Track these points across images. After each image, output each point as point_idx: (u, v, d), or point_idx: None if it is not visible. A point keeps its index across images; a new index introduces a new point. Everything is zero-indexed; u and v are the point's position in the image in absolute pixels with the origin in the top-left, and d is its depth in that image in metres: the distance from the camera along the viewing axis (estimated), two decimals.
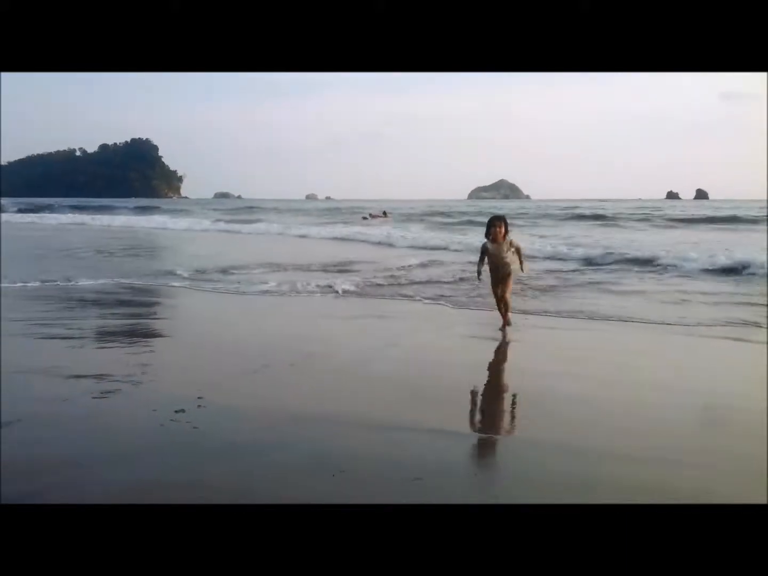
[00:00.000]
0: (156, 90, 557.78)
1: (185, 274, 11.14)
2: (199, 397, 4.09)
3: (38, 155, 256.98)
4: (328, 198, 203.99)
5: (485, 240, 7.12)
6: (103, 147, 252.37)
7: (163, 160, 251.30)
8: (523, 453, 3.39)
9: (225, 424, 3.75)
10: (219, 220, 37.49)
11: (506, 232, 7.07)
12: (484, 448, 3.45)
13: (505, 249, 7.03)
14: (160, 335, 6.71)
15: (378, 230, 25.28)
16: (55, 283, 9.96)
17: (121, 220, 37.59)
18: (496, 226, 7.01)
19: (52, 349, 5.87)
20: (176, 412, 3.81)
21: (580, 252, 14.72)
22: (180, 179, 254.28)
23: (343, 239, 22.31)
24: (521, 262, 7.12)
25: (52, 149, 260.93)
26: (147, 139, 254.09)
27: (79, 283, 9.99)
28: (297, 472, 3.09)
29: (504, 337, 6.59)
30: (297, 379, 4.79)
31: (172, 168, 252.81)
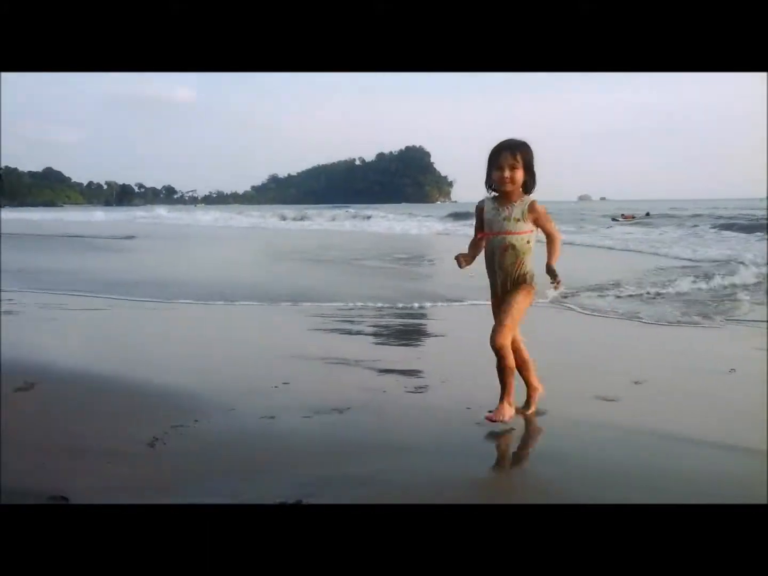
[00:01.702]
0: (418, 100, 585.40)
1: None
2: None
3: (323, 165, 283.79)
4: (602, 199, 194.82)
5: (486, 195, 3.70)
6: (380, 156, 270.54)
7: (434, 166, 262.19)
8: None
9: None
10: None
11: (530, 181, 3.51)
12: None
13: (519, 214, 3.48)
14: (458, 339, 6.85)
15: (644, 235, 23.26)
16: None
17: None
18: (503, 167, 3.41)
19: (357, 344, 6.40)
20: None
21: None
22: (450, 184, 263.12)
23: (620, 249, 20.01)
24: (549, 258, 3.46)
25: (335, 159, 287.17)
26: (420, 146, 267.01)
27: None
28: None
29: (529, 424, 3.86)
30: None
31: (443, 174, 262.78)
